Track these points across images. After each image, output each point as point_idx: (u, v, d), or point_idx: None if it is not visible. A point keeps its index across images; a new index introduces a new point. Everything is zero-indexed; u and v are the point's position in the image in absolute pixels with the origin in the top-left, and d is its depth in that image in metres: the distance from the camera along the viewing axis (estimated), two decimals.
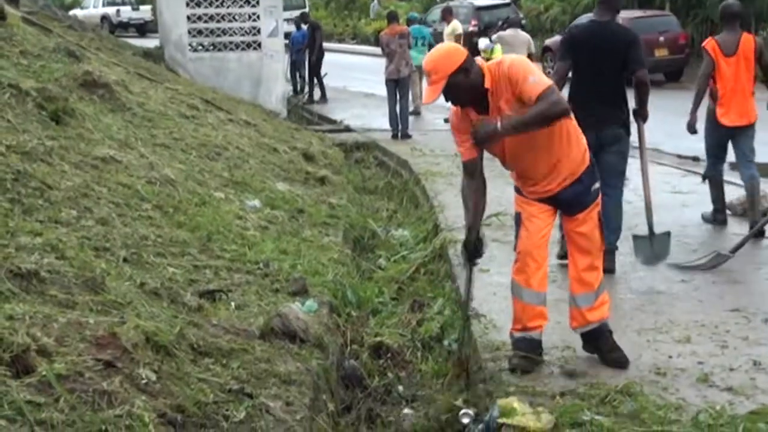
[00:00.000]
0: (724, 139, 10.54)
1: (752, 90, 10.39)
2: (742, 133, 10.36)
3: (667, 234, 8.74)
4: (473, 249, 6.40)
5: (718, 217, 10.56)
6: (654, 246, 8.64)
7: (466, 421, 5.75)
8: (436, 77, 5.90)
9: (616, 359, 6.53)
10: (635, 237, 8.79)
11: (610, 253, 8.47)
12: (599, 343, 6.63)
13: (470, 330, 6.90)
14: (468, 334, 6.82)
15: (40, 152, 8.11)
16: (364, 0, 58.60)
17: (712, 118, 10.40)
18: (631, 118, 8.78)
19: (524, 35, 19.84)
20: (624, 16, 28.02)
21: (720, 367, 6.51)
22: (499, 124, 5.84)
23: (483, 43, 20.16)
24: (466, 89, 5.98)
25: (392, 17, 20.65)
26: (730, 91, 10.20)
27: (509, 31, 19.73)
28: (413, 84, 21.38)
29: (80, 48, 14.81)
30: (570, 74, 8.94)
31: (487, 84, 6.00)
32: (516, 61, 6.06)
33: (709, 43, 10.49)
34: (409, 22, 23.94)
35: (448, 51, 6.21)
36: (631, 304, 8.01)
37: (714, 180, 10.71)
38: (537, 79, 5.89)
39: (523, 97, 5.87)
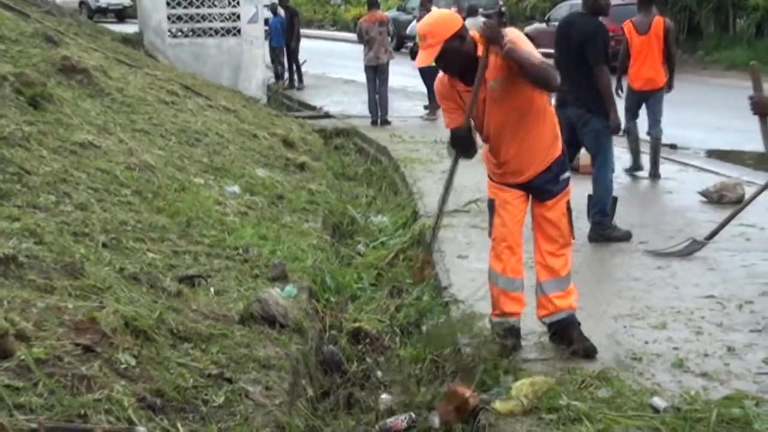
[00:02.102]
0: (635, 100, 13.04)
1: (661, 61, 12.72)
2: (651, 97, 12.87)
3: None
4: (463, 138, 6.28)
5: (634, 165, 12.70)
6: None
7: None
8: (433, 41, 5.91)
9: (586, 349, 6.48)
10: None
11: (597, 224, 9.37)
12: (569, 332, 6.57)
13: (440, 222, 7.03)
14: (438, 227, 6.99)
15: (18, 137, 8.07)
16: None
17: (628, 84, 12.94)
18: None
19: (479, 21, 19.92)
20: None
21: (695, 352, 6.55)
22: (508, 40, 5.76)
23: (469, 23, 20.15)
24: (460, 56, 5.99)
25: (372, 4, 20.61)
26: (640, 62, 12.72)
27: (469, 20, 19.79)
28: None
29: (58, 33, 14.75)
30: None
31: (479, 53, 5.99)
32: (511, 34, 5.98)
33: (626, 25, 12.99)
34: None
35: (446, 17, 6.24)
36: (609, 290, 8.05)
37: (631, 132, 13.03)
38: (535, 52, 5.90)
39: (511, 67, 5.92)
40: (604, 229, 9.47)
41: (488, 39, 5.87)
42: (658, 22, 12.81)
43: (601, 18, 11.60)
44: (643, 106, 13.07)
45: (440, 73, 6.36)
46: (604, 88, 9.30)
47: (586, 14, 9.61)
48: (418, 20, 21.62)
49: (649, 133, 12.91)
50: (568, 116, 9.25)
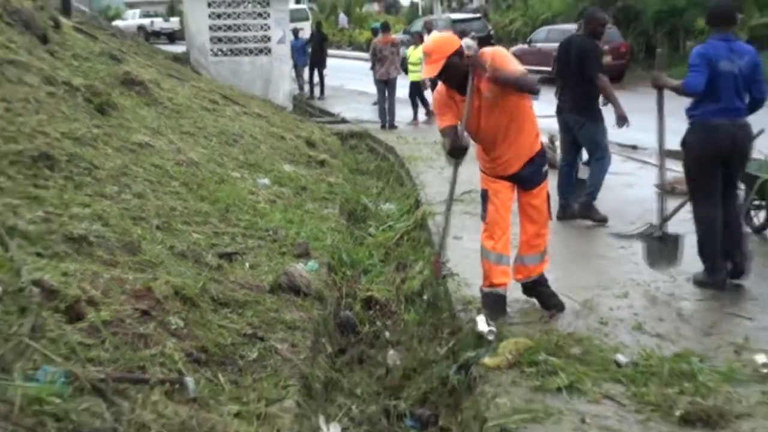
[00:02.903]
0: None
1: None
2: None
3: (676, 237, 7.80)
4: (459, 150, 6.30)
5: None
6: (666, 249, 7.82)
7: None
8: (437, 56, 5.99)
9: (555, 303, 6.66)
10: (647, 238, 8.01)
11: (585, 204, 9.57)
12: (540, 290, 6.73)
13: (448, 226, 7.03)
14: (446, 230, 6.97)
15: (88, 138, 8.11)
16: (358, 14, 58.71)
17: None
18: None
19: (469, 42, 20.09)
20: (575, 28, 28.19)
21: (651, 317, 6.57)
22: (488, 65, 5.88)
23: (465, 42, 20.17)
24: (458, 71, 6.04)
25: (386, 28, 20.61)
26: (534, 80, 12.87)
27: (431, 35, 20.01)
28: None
29: (121, 52, 14.81)
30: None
31: (488, 62, 5.99)
32: (496, 51, 6.15)
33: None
34: (375, 32, 24.03)
35: (447, 37, 6.32)
36: (580, 265, 8.04)
37: None
38: (515, 66, 6.03)
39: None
40: (589, 210, 9.57)
41: (474, 66, 5.99)
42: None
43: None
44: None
45: (438, 85, 6.40)
46: (606, 91, 9.46)
47: (584, 36, 9.69)
48: (407, 46, 21.65)
49: None
50: (565, 120, 9.77)
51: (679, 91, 7.31)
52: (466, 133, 6.33)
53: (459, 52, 6.05)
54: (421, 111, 20.01)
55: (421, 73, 6.35)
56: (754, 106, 7.33)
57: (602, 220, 9.51)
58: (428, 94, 19.01)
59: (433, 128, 18.08)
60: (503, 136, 6.28)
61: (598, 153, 9.62)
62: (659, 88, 7.50)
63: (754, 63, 7.17)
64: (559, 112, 9.91)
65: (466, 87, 6.13)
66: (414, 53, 19.07)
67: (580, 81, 9.40)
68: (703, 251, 7.32)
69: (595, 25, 9.62)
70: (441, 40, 6.20)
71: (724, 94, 7.06)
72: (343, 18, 57.29)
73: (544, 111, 12.40)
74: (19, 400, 3.70)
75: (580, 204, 9.65)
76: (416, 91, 19.75)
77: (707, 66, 7.00)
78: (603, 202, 9.59)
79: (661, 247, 7.72)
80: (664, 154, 7.84)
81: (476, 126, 6.28)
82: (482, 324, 5.84)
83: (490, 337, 5.75)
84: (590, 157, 9.95)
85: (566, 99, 9.74)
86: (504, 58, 6.03)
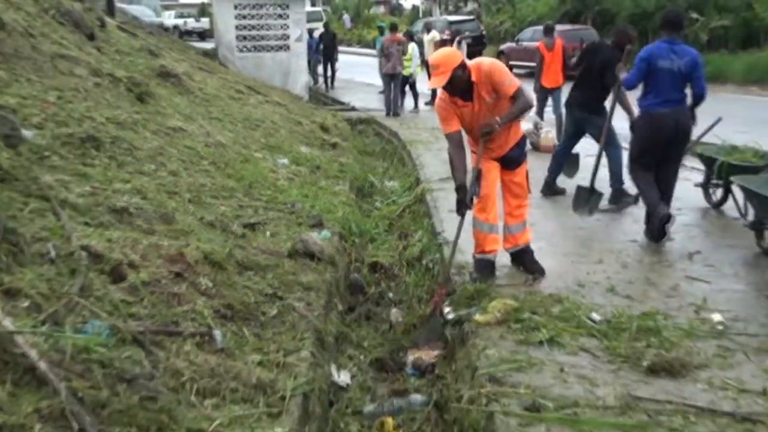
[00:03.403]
0: (545, 94, 13.89)
1: (561, 69, 13.63)
2: (554, 92, 13.75)
3: (600, 195, 8.71)
4: (465, 204, 6.24)
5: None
6: (590, 200, 8.62)
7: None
8: (444, 69, 5.97)
9: (537, 269, 6.69)
10: (579, 187, 8.80)
11: (618, 191, 9.25)
12: (525, 258, 6.76)
13: (455, 251, 6.69)
14: (453, 254, 6.65)
15: (129, 123, 8.07)
16: (366, 16, 58.50)
17: (541, 84, 13.86)
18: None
19: (432, 35, 21.37)
20: (558, 28, 28.05)
21: (622, 281, 6.56)
22: (498, 120, 6.05)
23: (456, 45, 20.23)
24: (462, 80, 6.03)
25: (394, 28, 20.59)
26: (547, 68, 13.68)
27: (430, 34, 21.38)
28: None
29: (158, 48, 14.75)
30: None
31: (474, 78, 6.08)
32: (494, 65, 6.16)
33: (540, 45, 13.91)
34: (381, 29, 23.93)
35: (452, 52, 6.29)
36: (560, 235, 8.02)
37: (541, 115, 13.88)
38: (510, 80, 6.12)
39: (500, 92, 6.08)
40: (621, 195, 9.21)
41: (485, 132, 6.13)
42: (559, 43, 13.85)
43: (556, 35, 13.38)
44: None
45: (440, 93, 6.37)
46: (623, 103, 8.84)
47: (610, 46, 9.24)
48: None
49: (554, 114, 13.73)
50: (574, 116, 9.51)
51: (620, 85, 8.19)
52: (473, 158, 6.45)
53: (462, 65, 6.05)
54: (421, 100, 20.03)
55: (429, 82, 6.29)
56: (697, 101, 7.68)
57: (634, 202, 8.97)
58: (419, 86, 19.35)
59: (431, 115, 18.12)
60: (498, 137, 6.34)
61: (609, 139, 9.05)
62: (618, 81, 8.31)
63: (694, 63, 7.45)
64: (569, 105, 9.65)
65: (467, 94, 6.16)
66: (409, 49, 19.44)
67: (595, 84, 9.06)
68: (646, 202, 7.82)
69: (623, 40, 9.20)
70: (447, 55, 6.14)
71: (663, 88, 7.45)
72: (347, 19, 57.29)
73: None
74: (69, 349, 3.71)
75: (612, 195, 9.23)
76: (405, 82, 19.83)
77: (645, 65, 7.48)
78: (580, 179, 9.52)
79: (588, 197, 8.50)
80: (609, 128, 8.86)
81: (476, 124, 6.28)
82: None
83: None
84: (604, 146, 9.09)
85: (577, 96, 9.41)
86: (501, 75, 6.11)
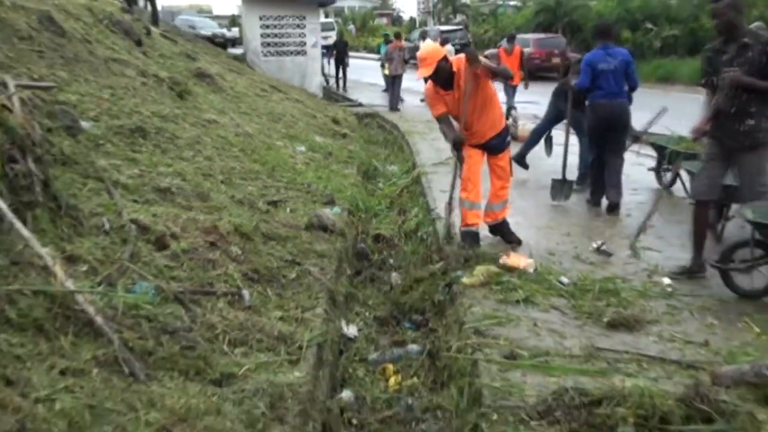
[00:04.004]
0: (511, 90, 14.60)
1: (517, 69, 14.42)
2: (511, 89, 14.59)
3: (572, 182, 8.62)
4: (460, 142, 6.33)
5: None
6: (563, 189, 8.51)
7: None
8: (430, 61, 5.99)
9: (514, 239, 6.68)
10: (554, 180, 8.61)
11: (583, 175, 8.99)
12: (504, 230, 6.72)
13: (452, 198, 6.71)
14: (450, 217, 6.71)
15: (171, 116, 8.04)
16: (371, 26, 58.18)
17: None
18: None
19: (427, 42, 20.39)
20: (533, 37, 27.98)
21: (587, 250, 6.54)
22: (482, 60, 5.97)
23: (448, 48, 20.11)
24: (445, 70, 6.03)
25: (398, 36, 20.64)
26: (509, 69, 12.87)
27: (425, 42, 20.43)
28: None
29: (194, 52, 14.66)
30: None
31: (455, 69, 6.08)
32: (481, 56, 6.14)
33: (501, 50, 14.10)
34: (386, 37, 24.06)
35: (437, 47, 6.29)
36: (534, 212, 7.98)
37: (509, 108, 14.05)
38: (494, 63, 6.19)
39: (481, 74, 6.06)
40: (586, 177, 8.77)
41: (471, 59, 5.93)
42: (518, 49, 15.07)
43: (516, 43, 14.73)
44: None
45: (428, 83, 6.35)
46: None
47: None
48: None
49: (506, 105, 13.94)
50: (559, 105, 9.27)
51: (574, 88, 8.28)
52: (456, 124, 6.38)
53: (445, 58, 6.06)
54: (418, 98, 20.01)
55: (417, 73, 6.25)
56: (632, 90, 8.05)
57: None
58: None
59: (425, 111, 18.04)
60: (477, 115, 6.26)
61: (581, 130, 8.94)
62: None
63: (626, 62, 7.83)
64: (557, 95, 9.41)
65: (450, 83, 6.14)
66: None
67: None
68: (591, 181, 8.32)
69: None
70: (432, 50, 6.14)
71: (605, 84, 7.77)
72: (352, 29, 56.99)
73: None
74: (121, 306, 3.73)
75: (578, 177, 9.00)
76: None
77: (590, 69, 7.81)
78: (551, 163, 9.45)
79: (561, 186, 8.49)
80: (579, 120, 8.75)
81: (459, 111, 6.25)
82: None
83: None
84: (578, 135, 9.15)
85: (566, 92, 8.85)
86: (489, 58, 6.15)
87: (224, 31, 47.83)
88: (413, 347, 5.16)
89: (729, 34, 5.45)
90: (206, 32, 31.70)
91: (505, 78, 6.53)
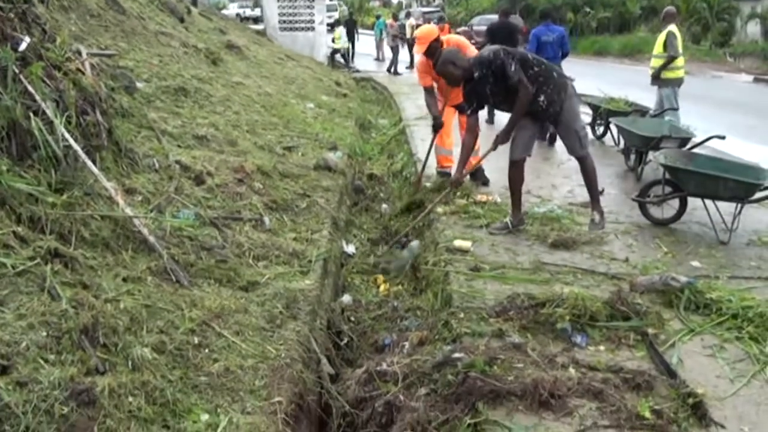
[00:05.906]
0: None
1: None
2: None
3: None
4: (438, 126, 6.27)
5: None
6: None
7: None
8: (425, 40, 5.83)
9: (484, 181, 6.48)
10: None
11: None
12: (477, 174, 6.45)
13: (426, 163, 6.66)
14: (423, 168, 6.63)
15: (206, 78, 7.83)
16: (366, 7, 56.61)
17: None
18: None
19: (411, 20, 20.56)
20: (495, 18, 27.29)
21: (536, 186, 6.44)
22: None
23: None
24: (436, 48, 5.79)
25: (395, 17, 20.35)
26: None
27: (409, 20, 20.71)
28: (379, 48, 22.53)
29: (226, 28, 14.29)
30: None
31: (444, 47, 5.80)
32: (459, 38, 6.12)
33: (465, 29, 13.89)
34: (378, 17, 23.70)
35: (431, 29, 6.14)
36: (497, 155, 7.90)
37: None
38: (471, 46, 6.06)
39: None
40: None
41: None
42: (446, 27, 15.01)
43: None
44: None
45: (421, 57, 6.10)
46: None
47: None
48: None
49: None
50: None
51: None
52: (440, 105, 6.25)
53: (437, 38, 5.86)
54: (403, 65, 19.71)
55: (415, 48, 6.08)
56: (564, 56, 8.69)
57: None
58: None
59: (410, 76, 17.79)
60: (454, 93, 6.01)
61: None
62: None
63: (561, 36, 8.61)
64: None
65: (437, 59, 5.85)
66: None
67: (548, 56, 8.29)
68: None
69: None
70: (427, 31, 5.99)
71: (546, 52, 8.26)
72: (344, 9, 55.45)
73: None
74: (168, 228, 3.71)
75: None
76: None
77: (536, 40, 8.56)
78: None
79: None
80: None
81: (444, 89, 6.11)
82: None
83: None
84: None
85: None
86: (464, 43, 5.97)
87: (247, 10, 46.69)
88: (415, 243, 5.09)
89: (456, 83, 5.08)
90: (230, 12, 30.83)
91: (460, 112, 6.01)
